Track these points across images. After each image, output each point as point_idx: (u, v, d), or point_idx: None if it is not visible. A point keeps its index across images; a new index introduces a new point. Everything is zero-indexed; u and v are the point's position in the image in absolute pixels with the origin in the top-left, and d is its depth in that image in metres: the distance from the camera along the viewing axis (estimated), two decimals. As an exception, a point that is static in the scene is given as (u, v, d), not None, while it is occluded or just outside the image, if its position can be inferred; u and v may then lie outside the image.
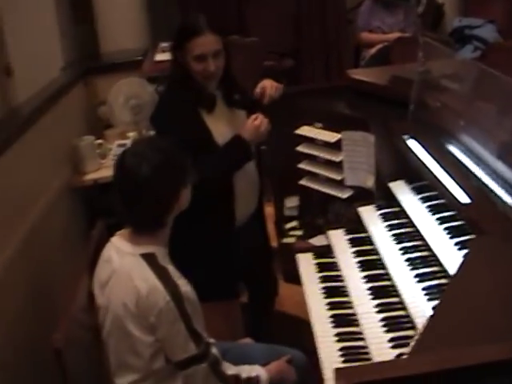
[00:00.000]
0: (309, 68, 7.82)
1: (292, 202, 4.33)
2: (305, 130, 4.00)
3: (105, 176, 3.95)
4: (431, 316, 2.13)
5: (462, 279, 2.18)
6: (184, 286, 2.52)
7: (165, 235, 2.66)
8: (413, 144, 3.26)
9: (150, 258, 2.54)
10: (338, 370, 1.77)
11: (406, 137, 3.33)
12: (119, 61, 5.15)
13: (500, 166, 2.65)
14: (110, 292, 2.59)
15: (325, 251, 3.41)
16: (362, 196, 3.63)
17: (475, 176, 2.79)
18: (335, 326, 2.83)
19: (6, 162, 3.09)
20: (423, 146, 3.20)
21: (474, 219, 2.52)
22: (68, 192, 3.92)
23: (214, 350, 2.60)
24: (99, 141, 4.22)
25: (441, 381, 1.66)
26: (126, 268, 2.55)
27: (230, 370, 2.65)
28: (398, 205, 3.22)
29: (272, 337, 3.47)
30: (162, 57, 5.71)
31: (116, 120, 4.46)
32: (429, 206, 3.01)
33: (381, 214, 3.31)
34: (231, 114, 3.46)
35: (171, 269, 2.56)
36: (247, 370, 2.72)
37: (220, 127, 3.37)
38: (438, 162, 3.02)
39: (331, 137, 3.82)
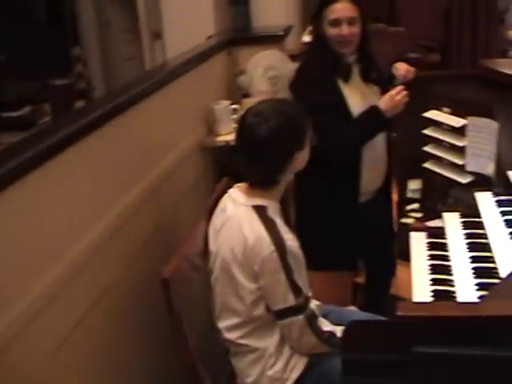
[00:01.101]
0: (455, 64, 7.77)
1: (415, 185, 4.38)
2: (433, 114, 4.05)
3: (237, 139, 4.08)
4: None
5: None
6: (290, 240, 2.64)
7: (278, 192, 2.80)
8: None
9: (260, 210, 2.68)
10: (399, 301, 1.84)
11: (529, 126, 3.35)
12: (262, 34, 5.29)
13: None
14: (222, 238, 2.75)
15: (438, 232, 3.46)
16: (482, 182, 3.65)
17: None
18: (434, 301, 2.88)
19: (146, 109, 3.29)
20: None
21: None
22: (200, 150, 4.08)
23: (313, 306, 2.71)
24: (235, 106, 4.38)
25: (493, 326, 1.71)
26: (237, 217, 2.70)
27: (326, 326, 2.75)
28: (515, 193, 3.24)
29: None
30: (309, 39, 5.81)
31: (254, 89, 4.61)
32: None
33: (497, 201, 3.34)
34: (366, 88, 3.56)
35: (279, 222, 2.69)
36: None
37: (355, 97, 3.47)
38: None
39: (457, 122, 3.86)
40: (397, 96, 3.36)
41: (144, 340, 3.07)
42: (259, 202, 2.72)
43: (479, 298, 2.67)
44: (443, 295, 2.89)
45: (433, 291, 2.94)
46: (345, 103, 3.42)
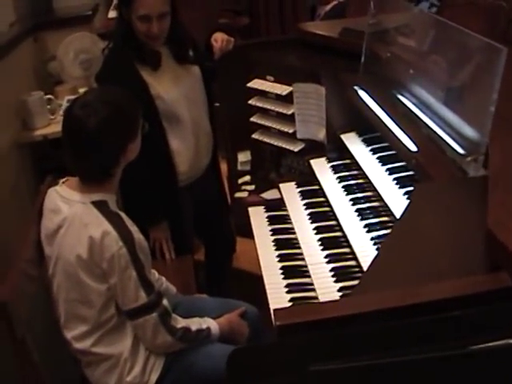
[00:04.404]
0: (264, 26, 7.77)
1: (245, 157, 4.31)
2: (257, 83, 3.98)
3: (55, 131, 3.85)
4: (374, 258, 2.11)
5: (405, 223, 2.17)
6: (136, 232, 2.52)
7: (114, 184, 2.65)
8: (363, 95, 3.25)
9: (101, 205, 2.53)
10: (276, 310, 1.75)
11: (356, 88, 3.31)
12: (69, 16, 5.01)
13: (447, 114, 2.64)
14: (61, 241, 2.57)
15: (276, 204, 3.40)
16: (314, 149, 3.61)
17: (425, 124, 2.76)
18: (285, 278, 2.82)
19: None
20: (373, 97, 3.18)
21: (421, 166, 2.51)
22: (17, 147, 3.83)
23: (165, 302, 2.60)
24: (48, 96, 4.14)
25: (379, 320, 1.65)
26: (77, 216, 2.53)
27: (180, 323, 2.64)
28: (350, 156, 3.22)
29: (228, 294, 3.45)
30: (115, 14, 5.59)
31: (66, 75, 4.39)
32: (379, 157, 3.02)
33: (332, 166, 3.32)
34: (182, 70, 3.42)
35: (123, 215, 2.55)
36: (197, 323, 2.72)
37: (165, 84, 3.34)
38: (388, 113, 3.00)
39: (282, 89, 3.81)
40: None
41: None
42: (97, 197, 2.55)
43: (333, 276, 2.62)
44: (294, 272, 2.84)
45: (282, 268, 2.88)
46: (148, 95, 3.27)
